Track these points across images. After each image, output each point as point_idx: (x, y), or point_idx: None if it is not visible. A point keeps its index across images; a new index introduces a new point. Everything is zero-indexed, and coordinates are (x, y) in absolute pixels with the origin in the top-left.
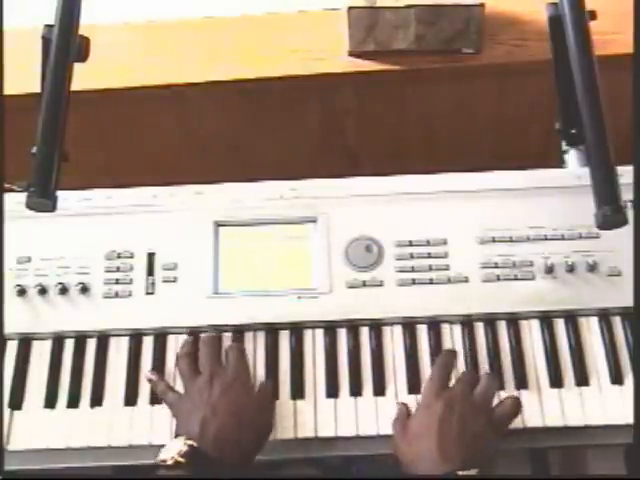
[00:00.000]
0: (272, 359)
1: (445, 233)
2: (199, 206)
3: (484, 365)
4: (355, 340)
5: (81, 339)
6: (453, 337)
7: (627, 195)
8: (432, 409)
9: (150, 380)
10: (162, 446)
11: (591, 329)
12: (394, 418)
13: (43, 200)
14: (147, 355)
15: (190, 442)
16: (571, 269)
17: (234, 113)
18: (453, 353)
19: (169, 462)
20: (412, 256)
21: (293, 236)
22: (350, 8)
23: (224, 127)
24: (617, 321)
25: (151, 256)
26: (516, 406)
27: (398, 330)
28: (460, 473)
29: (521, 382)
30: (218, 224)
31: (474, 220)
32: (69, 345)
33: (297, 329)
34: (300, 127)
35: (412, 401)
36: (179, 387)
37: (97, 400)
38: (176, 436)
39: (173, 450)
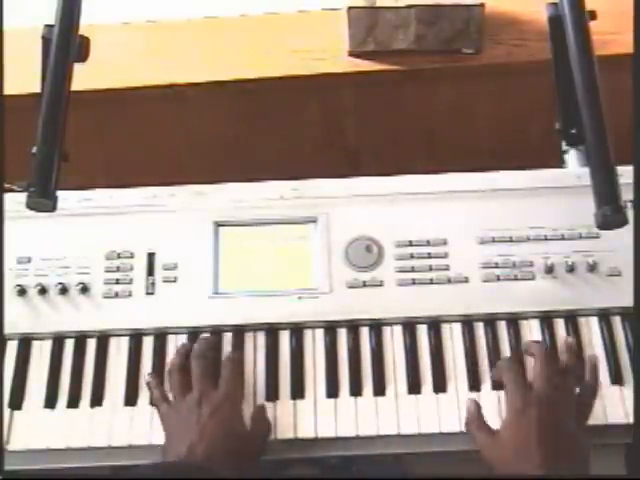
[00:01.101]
0: (272, 359)
1: (445, 233)
2: (199, 206)
3: (484, 365)
4: (355, 340)
5: (81, 339)
6: (453, 337)
7: (627, 195)
8: (526, 417)
9: (148, 384)
10: (162, 446)
11: (591, 329)
12: (466, 420)
13: (43, 200)
14: (147, 355)
15: None
16: (571, 269)
17: (234, 113)
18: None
19: None
20: (412, 256)
21: (293, 236)
22: (350, 8)
23: (224, 127)
24: (617, 321)
25: (151, 256)
26: (594, 392)
27: (398, 330)
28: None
29: None
30: (218, 224)
31: (474, 220)
32: (69, 345)
33: (297, 329)
34: (300, 127)
35: (412, 401)
36: None
37: (97, 400)
38: (164, 458)
39: None
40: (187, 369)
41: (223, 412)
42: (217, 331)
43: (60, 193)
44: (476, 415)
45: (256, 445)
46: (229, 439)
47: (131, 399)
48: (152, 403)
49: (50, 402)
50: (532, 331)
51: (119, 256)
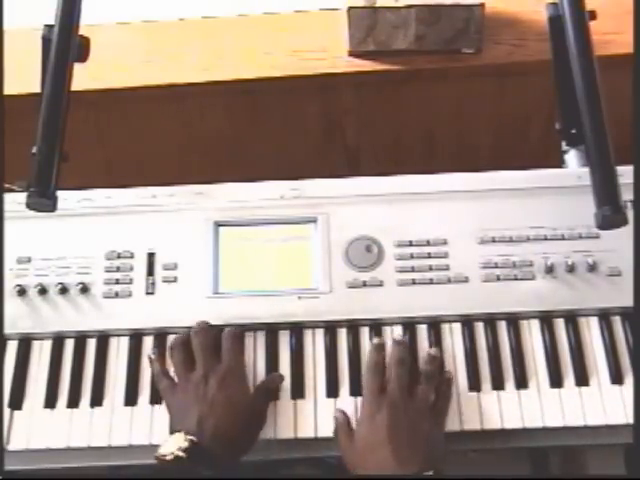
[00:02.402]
0: (272, 359)
1: (445, 233)
2: (199, 206)
3: (484, 365)
4: (355, 340)
5: (81, 339)
6: (453, 337)
7: (627, 195)
8: (377, 418)
9: (150, 359)
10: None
11: (591, 329)
12: (334, 428)
13: (43, 200)
14: (147, 355)
15: (190, 437)
16: (571, 269)
17: (234, 113)
18: (380, 346)
19: (168, 457)
20: (412, 256)
21: (293, 236)
22: (350, 8)
23: (224, 127)
24: (617, 321)
25: (151, 256)
26: (449, 390)
27: (398, 330)
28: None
29: (521, 382)
30: (218, 224)
31: (474, 220)
32: (69, 345)
33: (297, 329)
34: (300, 127)
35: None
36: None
37: (97, 400)
38: (173, 431)
39: (173, 445)
40: (188, 346)
41: (229, 385)
42: (217, 331)
43: (60, 193)
44: (344, 423)
45: (259, 419)
46: (237, 411)
47: (131, 399)
48: (156, 397)
49: (50, 402)
50: (532, 331)
51: (119, 256)
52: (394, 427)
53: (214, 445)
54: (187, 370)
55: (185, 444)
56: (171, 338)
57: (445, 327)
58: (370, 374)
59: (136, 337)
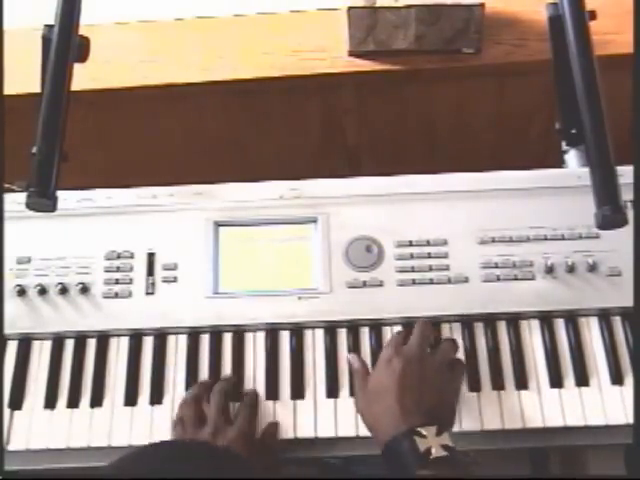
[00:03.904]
0: (272, 359)
1: (445, 233)
2: (199, 206)
3: (484, 365)
4: (355, 340)
5: (81, 339)
6: (453, 337)
7: (627, 195)
8: (391, 366)
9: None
10: None
11: (591, 329)
12: (354, 370)
13: (43, 200)
14: (147, 355)
15: None
16: (571, 269)
17: (234, 113)
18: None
19: None
20: (412, 256)
21: (293, 236)
22: (350, 8)
23: (224, 127)
24: (617, 321)
25: (151, 256)
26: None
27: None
28: (421, 431)
29: (521, 382)
30: (218, 224)
31: (474, 220)
32: (69, 345)
33: (297, 329)
34: (300, 127)
35: None
36: None
37: (97, 400)
38: None
39: None
40: (201, 401)
41: (236, 449)
42: (217, 331)
43: (60, 193)
44: (360, 366)
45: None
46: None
47: (131, 399)
48: (156, 397)
49: (50, 402)
50: (532, 331)
51: (119, 256)
52: (406, 375)
53: None
54: (196, 425)
55: None
56: (171, 338)
57: (445, 327)
58: (398, 333)
59: (136, 337)
